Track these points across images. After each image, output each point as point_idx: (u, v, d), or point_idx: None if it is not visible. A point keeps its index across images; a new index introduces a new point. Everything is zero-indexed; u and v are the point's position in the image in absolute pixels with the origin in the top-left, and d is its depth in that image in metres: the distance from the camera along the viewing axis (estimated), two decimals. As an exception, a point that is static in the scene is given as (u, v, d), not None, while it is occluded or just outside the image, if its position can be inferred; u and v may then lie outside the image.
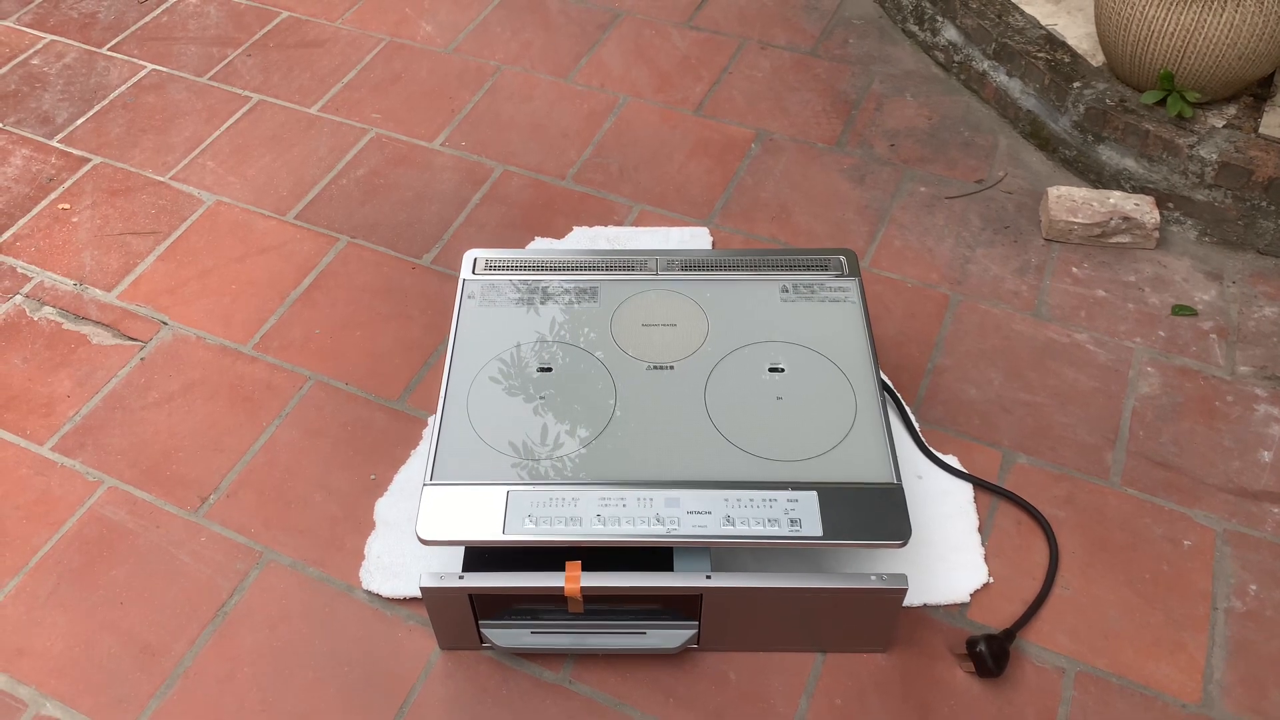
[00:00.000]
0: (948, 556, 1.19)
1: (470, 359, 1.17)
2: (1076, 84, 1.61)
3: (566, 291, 1.24)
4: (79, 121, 1.78)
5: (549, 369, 1.16)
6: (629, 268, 1.26)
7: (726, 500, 1.03)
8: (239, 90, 1.84)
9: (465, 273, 1.26)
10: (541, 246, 1.55)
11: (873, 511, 1.03)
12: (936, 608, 1.16)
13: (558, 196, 1.64)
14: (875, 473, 1.06)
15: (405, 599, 1.17)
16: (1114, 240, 1.53)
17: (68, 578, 1.20)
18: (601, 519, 1.02)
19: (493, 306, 1.22)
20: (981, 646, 1.09)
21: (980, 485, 1.26)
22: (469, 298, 1.23)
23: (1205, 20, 1.45)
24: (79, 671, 1.12)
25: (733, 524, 1.01)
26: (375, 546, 1.21)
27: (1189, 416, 1.34)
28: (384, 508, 1.24)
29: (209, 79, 1.86)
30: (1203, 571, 1.19)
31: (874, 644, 1.11)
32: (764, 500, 1.03)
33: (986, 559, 1.20)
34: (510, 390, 1.14)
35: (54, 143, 1.75)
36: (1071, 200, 1.53)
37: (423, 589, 1.03)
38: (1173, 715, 1.08)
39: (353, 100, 1.81)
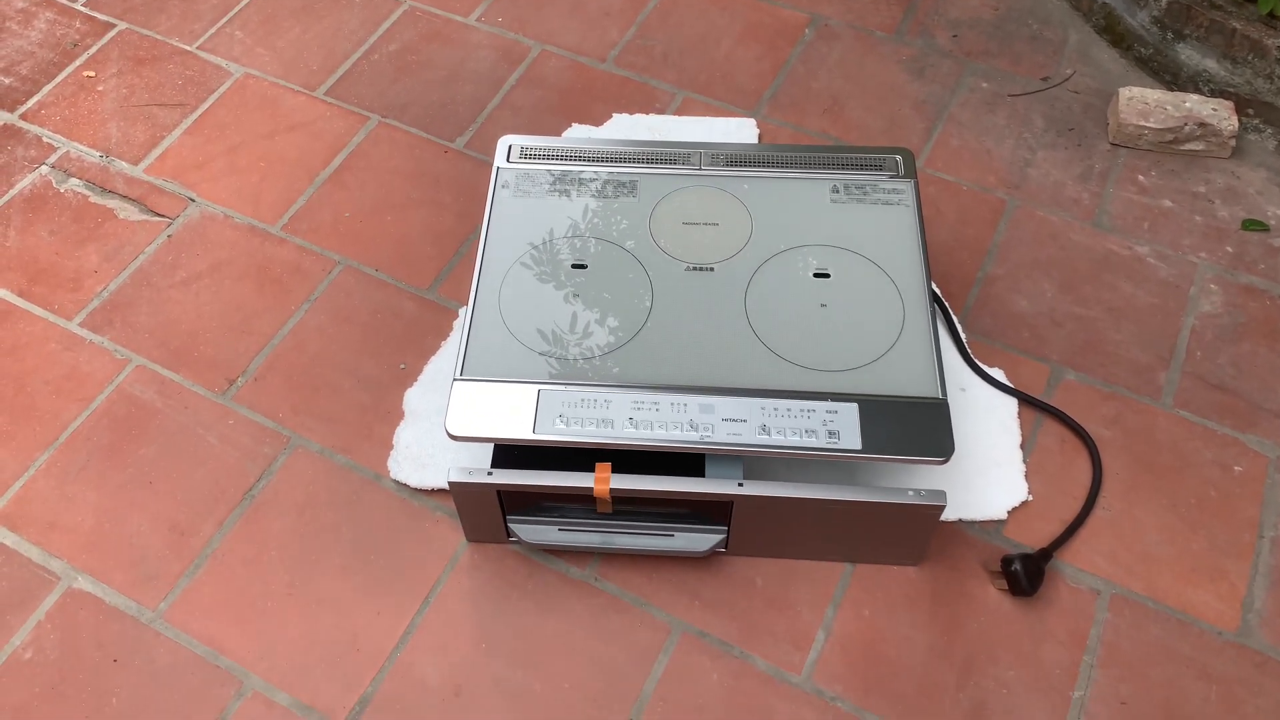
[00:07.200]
0: (987, 472, 1.16)
1: (503, 251, 1.13)
2: (1160, -26, 1.49)
3: (605, 184, 1.18)
4: (103, -16, 1.71)
5: (584, 265, 1.11)
6: (671, 161, 1.20)
7: (763, 409, 1.00)
8: (268, -45, 1.75)
9: (499, 160, 1.21)
10: (579, 134, 1.49)
11: (915, 426, 0.99)
12: (972, 523, 1.14)
13: (597, 80, 1.57)
14: (920, 386, 1.02)
15: (433, 490, 1.16)
16: (1186, 147, 1.44)
17: (97, 455, 1.20)
18: (634, 422, 0.99)
19: (527, 197, 1.17)
20: (1016, 565, 1.07)
21: (1025, 401, 1.22)
22: (503, 187, 1.18)
23: (1312, -94, 1.32)
24: (109, 547, 1.13)
25: (768, 433, 0.98)
26: (404, 436, 1.19)
27: (1251, 338, 1.28)
28: (413, 398, 1.22)
29: (237, -58, 1.77)
30: (1251, 499, 1.16)
31: (906, 558, 1.09)
32: (802, 410, 0.99)
33: (1027, 476, 1.16)
34: (543, 287, 1.10)
35: (78, 6, 1.68)
36: (1144, 103, 1.44)
37: (450, 483, 1.01)
38: (1208, 642, 1.06)
39: (386, -31, 1.72)
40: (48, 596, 1.10)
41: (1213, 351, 1.27)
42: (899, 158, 1.20)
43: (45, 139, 1.51)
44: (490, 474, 1.01)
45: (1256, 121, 1.45)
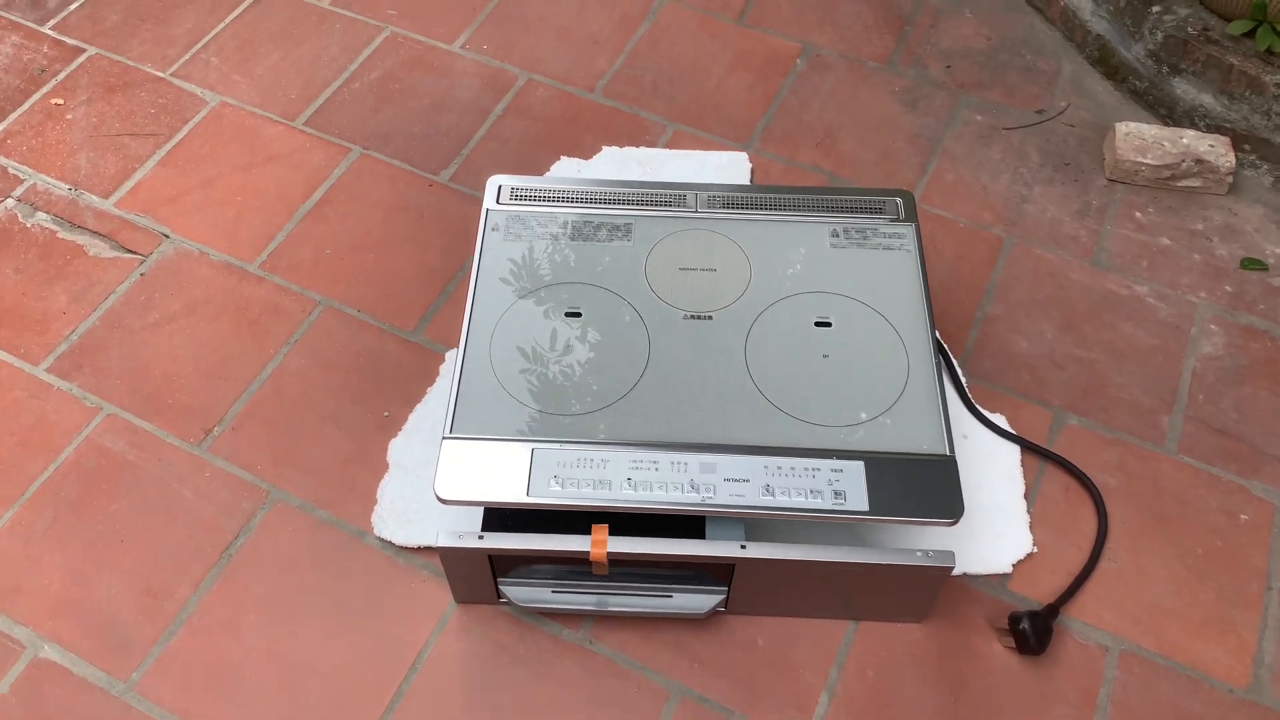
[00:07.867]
0: (991, 523, 1.13)
1: (493, 299, 1.08)
2: (1156, 8, 1.47)
3: (598, 227, 1.14)
4: (72, 6, 1.65)
5: (578, 313, 1.07)
6: (666, 203, 1.16)
7: (766, 468, 0.96)
8: (243, -22, 1.70)
9: (489, 202, 1.17)
10: (568, 167, 1.45)
11: (923, 485, 0.96)
12: (977, 577, 1.11)
13: (585, 110, 1.53)
14: (927, 443, 0.98)
15: (419, 548, 1.11)
16: (1183, 184, 1.42)
17: (65, 511, 1.14)
18: (632, 483, 0.95)
19: (518, 241, 1.13)
20: (1025, 624, 1.04)
21: (1028, 448, 1.19)
22: (492, 230, 1.14)
23: (1310, -58, 1.31)
24: (78, 613, 1.08)
25: (772, 494, 0.95)
26: (388, 491, 1.14)
27: (1253, 380, 1.26)
28: (398, 449, 1.18)
29: (211, -36, 1.72)
30: (1258, 547, 1.13)
31: (910, 615, 1.06)
32: (806, 469, 0.96)
33: (1031, 527, 1.14)
34: (536, 337, 1.06)
35: (46, 29, 1.62)
36: (1140, 139, 1.42)
37: (440, 548, 0.97)
38: (1219, 699, 1.04)
39: (366, -6, 1.68)
40: (12, 667, 1.04)
41: (1215, 395, 1.25)
42: (899, 200, 1.17)
43: (11, 170, 1.45)
44: (481, 538, 0.97)
45: (1253, 158, 1.44)
